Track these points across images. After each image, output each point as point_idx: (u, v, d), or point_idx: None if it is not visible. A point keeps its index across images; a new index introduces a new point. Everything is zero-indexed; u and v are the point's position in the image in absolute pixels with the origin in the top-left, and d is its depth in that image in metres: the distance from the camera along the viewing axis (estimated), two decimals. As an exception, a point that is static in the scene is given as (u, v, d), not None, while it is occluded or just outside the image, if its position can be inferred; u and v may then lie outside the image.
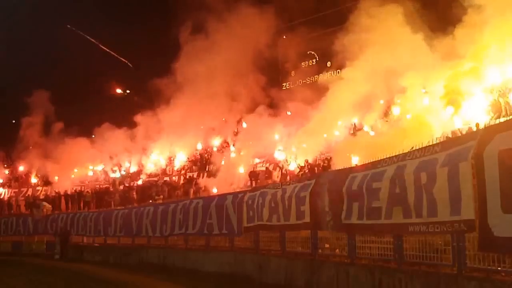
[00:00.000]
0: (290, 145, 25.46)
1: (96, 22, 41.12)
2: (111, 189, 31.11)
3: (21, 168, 39.91)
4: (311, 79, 35.24)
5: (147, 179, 32.20)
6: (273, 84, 33.26)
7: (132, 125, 36.02)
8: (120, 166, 36.48)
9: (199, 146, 33.53)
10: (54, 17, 41.73)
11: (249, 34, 29.62)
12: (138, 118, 35.15)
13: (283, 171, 23.65)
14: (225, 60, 30.25)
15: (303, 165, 22.35)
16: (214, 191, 23.83)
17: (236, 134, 31.52)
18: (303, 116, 25.46)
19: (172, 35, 32.34)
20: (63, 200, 31.92)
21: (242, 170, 25.92)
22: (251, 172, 24.95)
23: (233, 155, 29.01)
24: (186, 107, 31.78)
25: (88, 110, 40.02)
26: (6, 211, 32.68)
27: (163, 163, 34.59)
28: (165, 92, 33.13)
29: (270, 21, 29.54)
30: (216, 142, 33.28)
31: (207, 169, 29.44)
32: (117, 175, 35.67)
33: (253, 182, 23.61)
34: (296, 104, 27.62)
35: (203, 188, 26.00)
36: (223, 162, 27.99)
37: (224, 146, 32.04)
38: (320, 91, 26.34)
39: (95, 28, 40.94)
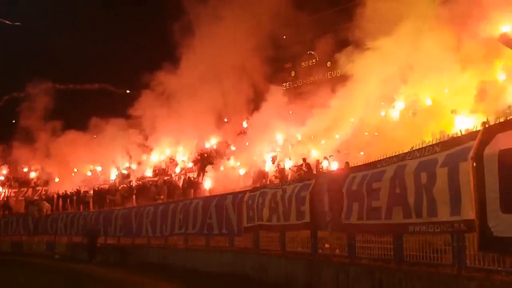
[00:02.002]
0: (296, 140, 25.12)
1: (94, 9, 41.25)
2: (113, 188, 31.11)
3: (23, 169, 39.95)
4: (311, 79, 35.27)
5: (148, 179, 32.17)
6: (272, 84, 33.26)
7: (132, 123, 36.08)
8: (118, 167, 36.47)
9: (199, 146, 33.53)
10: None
11: (249, 34, 29.66)
12: (139, 116, 35.20)
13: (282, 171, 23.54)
14: (224, 60, 30.29)
15: (300, 164, 22.14)
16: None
17: (239, 134, 31.49)
18: (305, 115, 25.44)
19: (170, 34, 32.44)
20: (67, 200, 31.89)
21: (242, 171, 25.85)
22: (259, 172, 24.74)
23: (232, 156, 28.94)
24: (185, 107, 31.86)
25: (88, 109, 40.03)
26: (4, 211, 32.64)
27: (163, 162, 34.63)
28: (162, 92, 33.27)
29: (270, 21, 29.58)
30: (215, 141, 33.31)
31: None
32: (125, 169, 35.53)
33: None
34: (297, 103, 27.56)
35: (203, 188, 25.98)
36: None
37: (224, 146, 32.05)
38: (320, 90, 26.41)
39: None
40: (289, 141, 25.96)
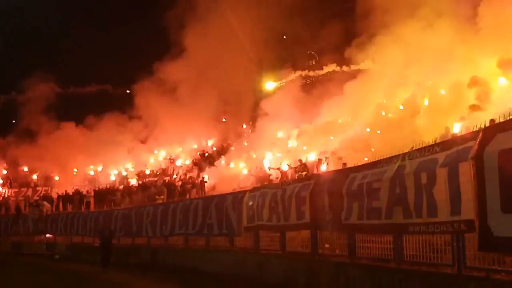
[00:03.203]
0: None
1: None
2: (113, 188, 31.13)
3: (23, 170, 39.94)
4: (311, 79, 35.28)
5: (148, 180, 32.20)
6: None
7: (133, 123, 36.10)
8: (118, 167, 36.48)
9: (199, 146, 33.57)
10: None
11: (249, 34, 29.65)
12: (139, 116, 35.25)
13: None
14: (223, 60, 30.29)
15: (297, 165, 21.95)
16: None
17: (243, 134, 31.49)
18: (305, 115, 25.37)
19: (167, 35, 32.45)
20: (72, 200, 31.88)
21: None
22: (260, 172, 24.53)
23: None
24: (185, 107, 31.88)
25: (87, 109, 40.04)
26: (4, 212, 32.65)
27: (163, 162, 34.65)
28: (161, 92, 33.29)
29: (270, 22, 29.57)
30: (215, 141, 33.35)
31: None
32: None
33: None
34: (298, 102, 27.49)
35: (202, 188, 25.98)
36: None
37: (225, 146, 32.09)
38: (321, 90, 26.39)
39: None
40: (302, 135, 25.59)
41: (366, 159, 11.80)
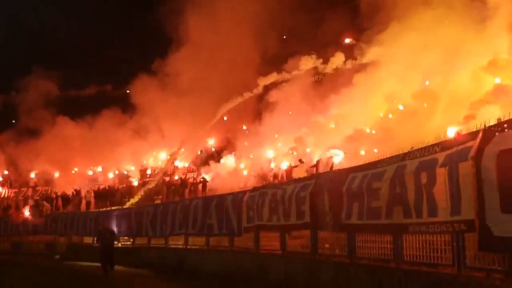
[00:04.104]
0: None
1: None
2: (113, 188, 31.16)
3: (22, 170, 39.96)
4: (311, 79, 35.19)
5: (148, 179, 32.20)
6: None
7: (133, 122, 36.10)
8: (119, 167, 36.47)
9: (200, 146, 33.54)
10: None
11: (249, 33, 29.64)
12: (139, 115, 35.24)
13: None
14: (223, 61, 30.26)
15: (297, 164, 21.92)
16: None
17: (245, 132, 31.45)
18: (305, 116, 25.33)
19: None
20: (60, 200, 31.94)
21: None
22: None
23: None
24: (185, 107, 31.86)
25: (87, 108, 40.04)
26: (3, 212, 32.67)
27: (163, 162, 34.64)
28: (160, 93, 33.27)
29: (271, 21, 29.55)
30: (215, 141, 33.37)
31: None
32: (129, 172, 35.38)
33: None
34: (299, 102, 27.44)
35: (200, 189, 26.00)
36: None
37: (226, 145, 32.07)
38: (321, 90, 26.35)
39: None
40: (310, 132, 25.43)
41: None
